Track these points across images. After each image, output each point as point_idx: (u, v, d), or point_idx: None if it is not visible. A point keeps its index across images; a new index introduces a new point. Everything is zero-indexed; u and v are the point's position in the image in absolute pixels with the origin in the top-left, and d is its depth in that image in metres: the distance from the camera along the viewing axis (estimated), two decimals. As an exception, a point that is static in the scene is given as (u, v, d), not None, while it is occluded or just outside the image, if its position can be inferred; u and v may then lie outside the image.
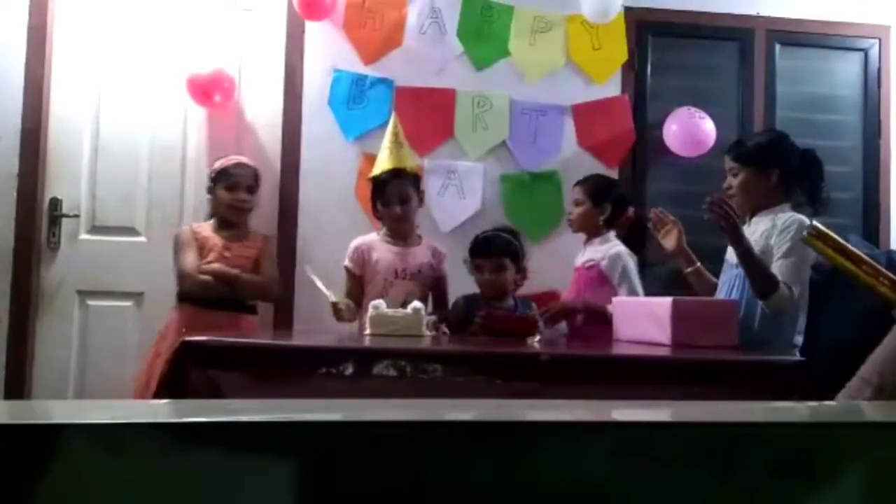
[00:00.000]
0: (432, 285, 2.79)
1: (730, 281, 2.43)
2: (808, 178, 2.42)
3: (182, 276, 2.78)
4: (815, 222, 1.53)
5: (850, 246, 1.50)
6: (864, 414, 0.87)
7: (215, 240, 2.82)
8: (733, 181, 2.44)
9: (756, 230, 2.38)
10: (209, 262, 2.78)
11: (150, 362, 2.71)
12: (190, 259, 2.77)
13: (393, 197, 2.71)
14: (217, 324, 2.62)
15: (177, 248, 2.82)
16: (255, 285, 2.84)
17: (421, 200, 2.83)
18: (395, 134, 2.77)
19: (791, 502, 0.66)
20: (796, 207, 2.41)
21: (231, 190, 2.85)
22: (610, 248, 2.78)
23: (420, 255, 2.77)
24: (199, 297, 2.75)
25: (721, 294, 2.45)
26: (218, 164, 2.90)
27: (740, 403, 0.98)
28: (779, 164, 2.39)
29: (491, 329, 2.41)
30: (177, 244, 2.83)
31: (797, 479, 0.66)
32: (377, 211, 2.79)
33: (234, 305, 2.81)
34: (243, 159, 2.93)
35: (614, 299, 2.55)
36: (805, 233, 1.54)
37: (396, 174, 2.71)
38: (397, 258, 2.73)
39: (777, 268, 2.26)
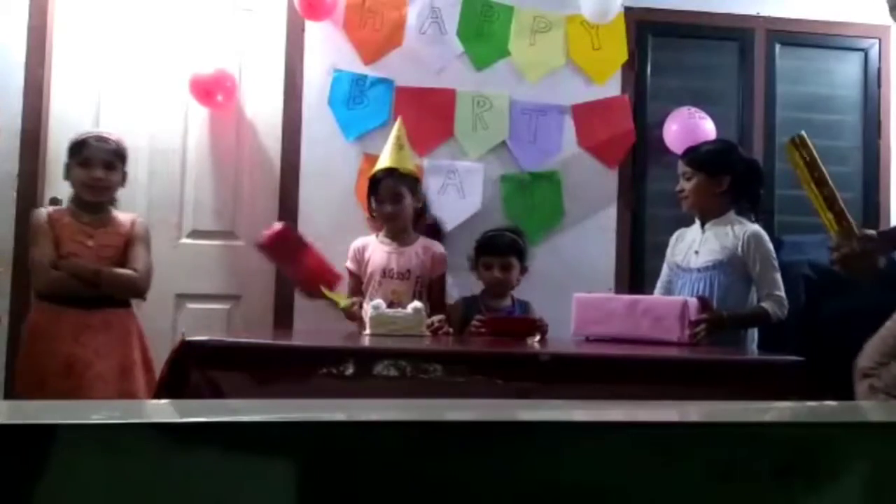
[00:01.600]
0: (428, 286, 2.74)
1: (690, 284, 2.53)
2: (752, 187, 2.60)
3: (34, 271, 2.49)
4: (803, 132, 1.54)
5: (823, 167, 1.50)
6: (864, 414, 0.87)
7: (73, 226, 2.50)
8: (686, 185, 2.58)
9: (716, 238, 2.52)
10: (68, 253, 2.46)
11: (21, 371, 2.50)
12: (44, 250, 2.45)
13: (386, 194, 2.71)
14: (84, 324, 2.42)
15: (30, 237, 2.50)
16: (121, 281, 2.48)
17: (419, 202, 2.80)
18: (398, 137, 2.77)
19: (791, 502, 0.66)
20: (740, 214, 2.56)
21: (85, 166, 2.51)
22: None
23: (411, 255, 2.74)
24: (58, 294, 2.45)
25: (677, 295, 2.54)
26: (74, 137, 2.59)
27: (740, 403, 0.98)
28: (729, 172, 2.54)
29: (491, 332, 2.41)
30: (30, 232, 2.50)
31: (797, 479, 0.66)
32: (372, 210, 2.78)
33: (102, 301, 2.47)
34: (105, 133, 2.63)
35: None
36: (789, 139, 1.56)
37: (391, 173, 2.71)
38: (387, 258, 2.73)
39: (761, 281, 2.46)
